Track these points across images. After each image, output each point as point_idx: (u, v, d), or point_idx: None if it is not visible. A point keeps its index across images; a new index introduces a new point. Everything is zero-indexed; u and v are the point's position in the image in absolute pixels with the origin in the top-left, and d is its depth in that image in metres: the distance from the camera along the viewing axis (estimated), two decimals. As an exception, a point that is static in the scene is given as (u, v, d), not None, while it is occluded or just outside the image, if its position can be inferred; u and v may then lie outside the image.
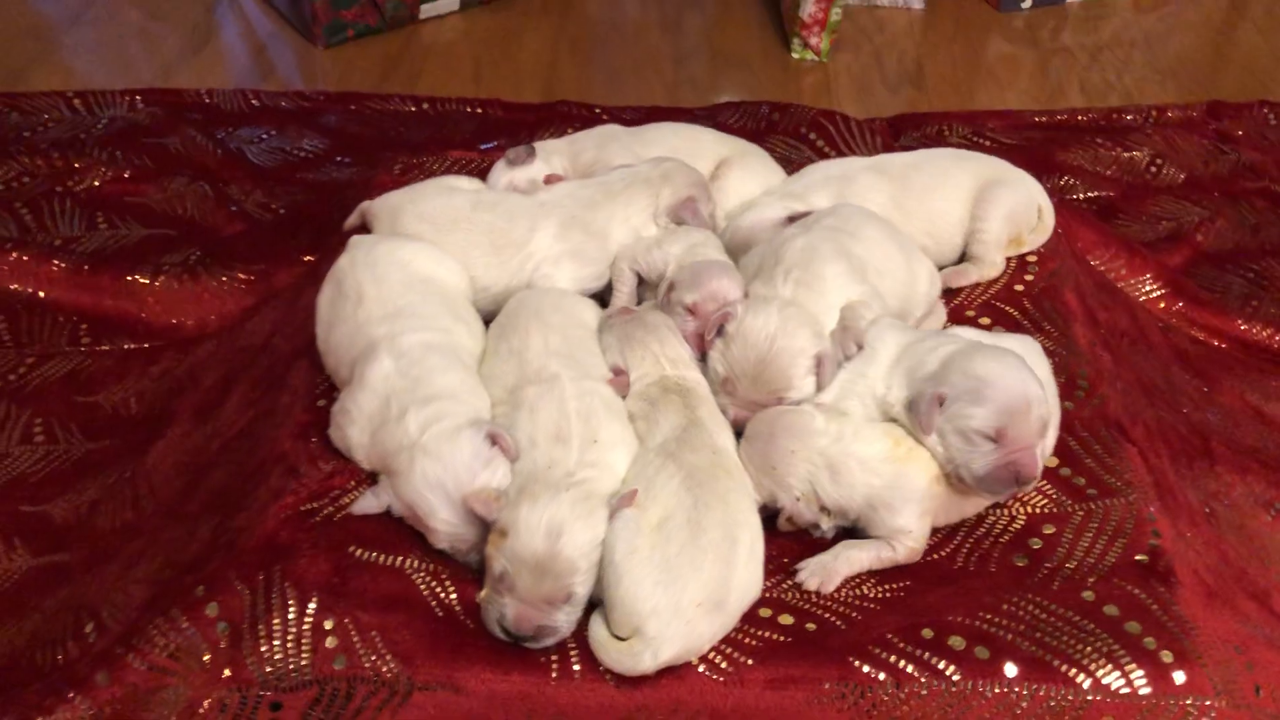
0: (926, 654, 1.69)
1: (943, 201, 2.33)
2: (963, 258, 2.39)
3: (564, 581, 1.64)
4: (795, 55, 3.89)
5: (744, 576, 1.70)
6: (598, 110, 3.45)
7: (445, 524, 1.73)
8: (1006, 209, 2.32)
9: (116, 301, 2.73)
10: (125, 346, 2.67)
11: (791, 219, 2.23)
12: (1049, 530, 1.88)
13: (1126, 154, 3.42)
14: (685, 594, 1.63)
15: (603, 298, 2.23)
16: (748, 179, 2.41)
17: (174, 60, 3.69)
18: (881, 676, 1.67)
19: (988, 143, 3.45)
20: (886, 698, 1.65)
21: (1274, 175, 3.49)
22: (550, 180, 2.36)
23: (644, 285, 2.22)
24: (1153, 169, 3.39)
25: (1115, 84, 3.80)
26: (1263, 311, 2.75)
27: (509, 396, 1.88)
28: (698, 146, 2.49)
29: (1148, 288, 2.71)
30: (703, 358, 2.00)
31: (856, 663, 1.68)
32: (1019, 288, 2.31)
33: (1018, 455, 1.76)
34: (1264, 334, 2.70)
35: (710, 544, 1.68)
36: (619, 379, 1.93)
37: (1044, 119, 3.64)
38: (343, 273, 2.05)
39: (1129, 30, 4.20)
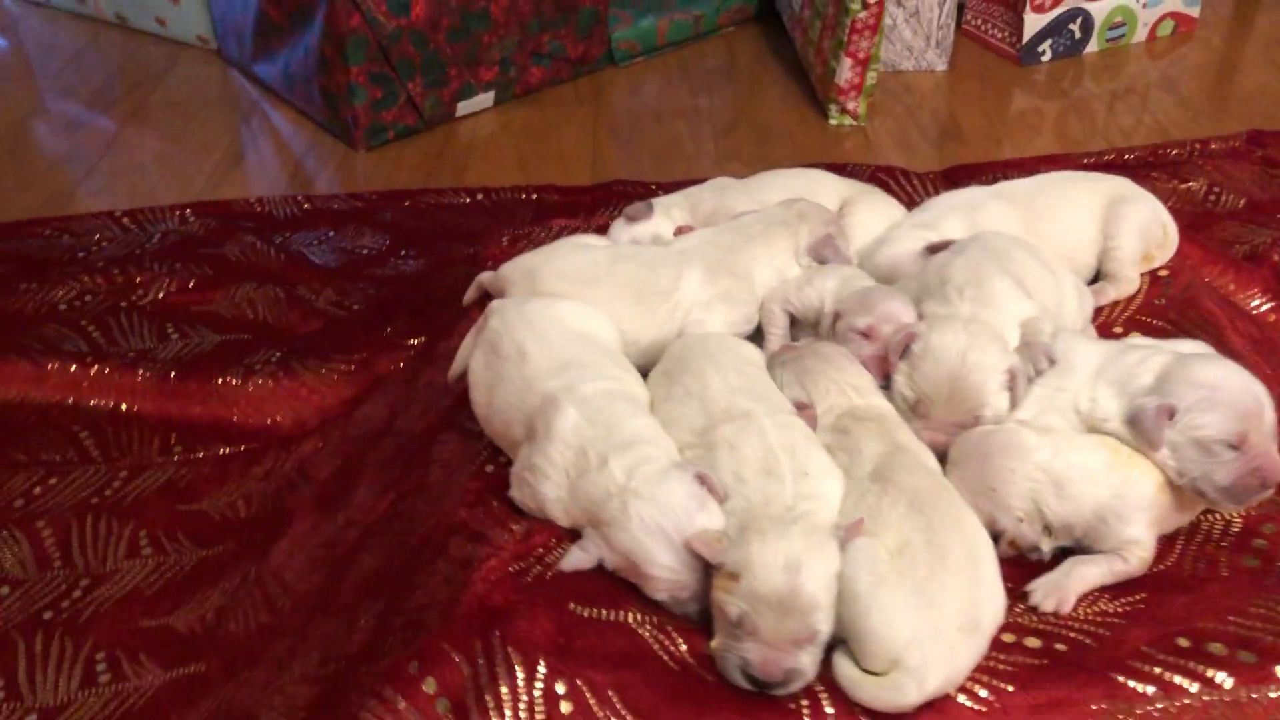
0: (1190, 663, 1.60)
1: (1073, 221, 2.31)
2: (1096, 278, 2.35)
3: (808, 619, 1.54)
4: (833, 121, 3.91)
5: (992, 596, 1.61)
6: (653, 186, 3.43)
7: (666, 570, 1.63)
8: (1137, 224, 2.30)
9: (206, 407, 2.61)
10: (221, 451, 2.55)
11: (930, 249, 2.19)
12: (1270, 529, 1.81)
13: (1184, 185, 3.44)
14: (943, 618, 1.54)
15: (752, 341, 2.15)
16: (873, 215, 2.38)
17: (212, 179, 3.64)
18: (1150, 690, 1.57)
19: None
20: (1158, 713, 1.55)
21: (1325, 196, 3.52)
22: (681, 231, 2.31)
23: (796, 326, 2.16)
24: (1211, 197, 3.41)
25: (1137, 126, 3.86)
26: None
27: (699, 439, 1.80)
28: (818, 188, 2.46)
29: (1256, 301, 2.69)
30: (885, 384, 1.93)
31: (1121, 679, 1.58)
32: (1159, 301, 2.28)
33: (1261, 461, 1.71)
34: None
35: (957, 565, 1.59)
36: (806, 413, 1.85)
37: (1091, 160, 3.66)
38: (497, 334, 1.97)
39: (1145, 75, 4.29)
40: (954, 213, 2.32)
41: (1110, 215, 2.32)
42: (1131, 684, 1.59)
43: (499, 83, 3.92)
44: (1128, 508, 1.74)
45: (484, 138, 3.93)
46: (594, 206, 3.38)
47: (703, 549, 1.61)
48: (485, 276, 2.30)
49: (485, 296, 2.32)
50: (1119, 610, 1.71)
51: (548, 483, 1.75)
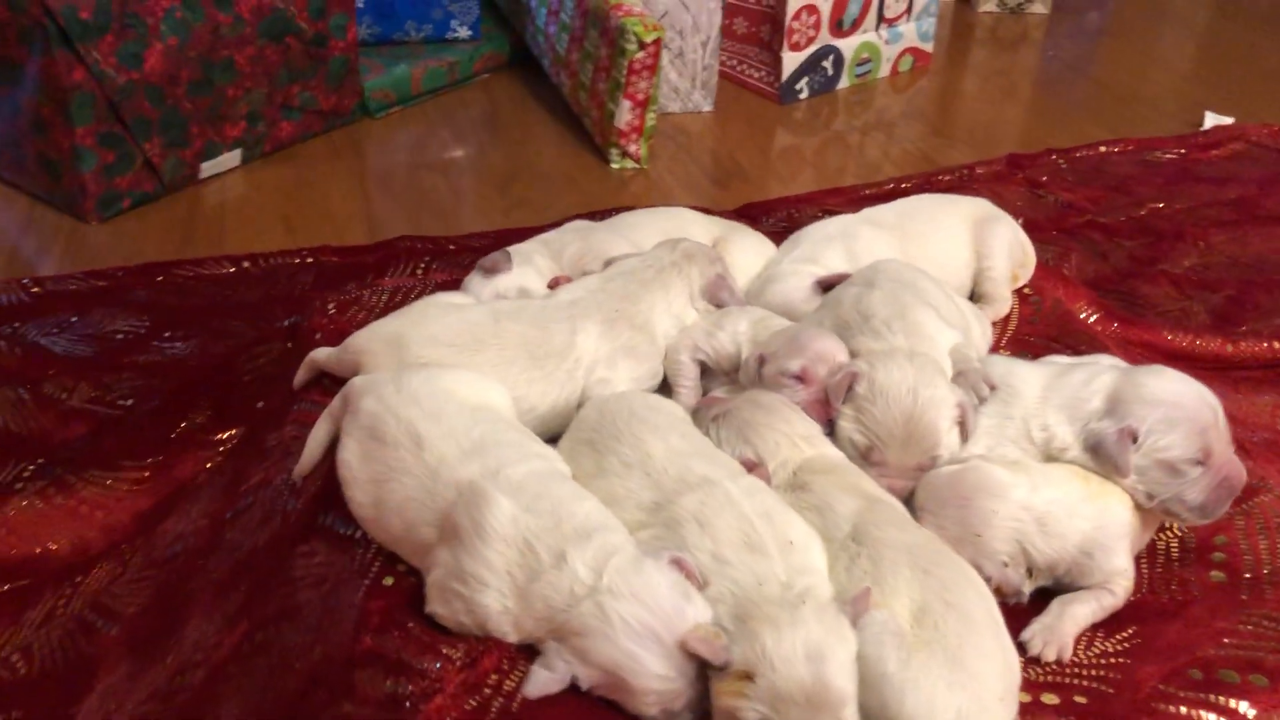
0: (1209, 695, 1.52)
1: (946, 244, 2.24)
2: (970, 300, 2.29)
3: (839, 715, 1.33)
4: (615, 165, 3.77)
5: (1014, 656, 1.44)
6: (446, 242, 3.15)
7: (661, 680, 1.37)
8: (1005, 244, 2.26)
9: (-51, 542, 2.10)
10: (-23, 595, 2.05)
11: (822, 285, 2.06)
12: (1222, 540, 1.76)
13: (966, 210, 3.50)
14: (985, 688, 1.37)
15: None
16: (748, 253, 2.22)
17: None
18: None
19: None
20: (1191, 754, 1.43)
21: (1091, 209, 3.70)
22: (558, 281, 2.05)
23: (706, 376, 1.95)
24: (993, 220, 3.48)
25: (903, 155, 3.97)
26: (1175, 322, 2.82)
27: (653, 517, 1.55)
28: (688, 226, 2.28)
29: (1084, 314, 2.72)
30: (828, 431, 1.75)
31: None
32: (1034, 320, 2.23)
33: (1227, 470, 1.64)
34: (1187, 341, 2.75)
35: (984, 626, 1.43)
36: (758, 472, 1.64)
37: (872, 190, 3.69)
38: (376, 418, 1.65)
39: (893, 107, 4.42)
40: (830, 244, 2.19)
41: (979, 236, 2.26)
42: None
43: (246, 140, 3.52)
44: (1110, 538, 1.64)
45: (235, 200, 3.51)
46: (381, 266, 3.05)
47: (702, 649, 1.36)
48: (323, 353, 1.95)
49: (322, 376, 1.96)
50: (1117, 649, 1.60)
51: (488, 592, 1.44)
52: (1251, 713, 1.48)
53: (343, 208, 3.47)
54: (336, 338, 2.13)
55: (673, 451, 1.62)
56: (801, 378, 1.78)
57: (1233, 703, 1.50)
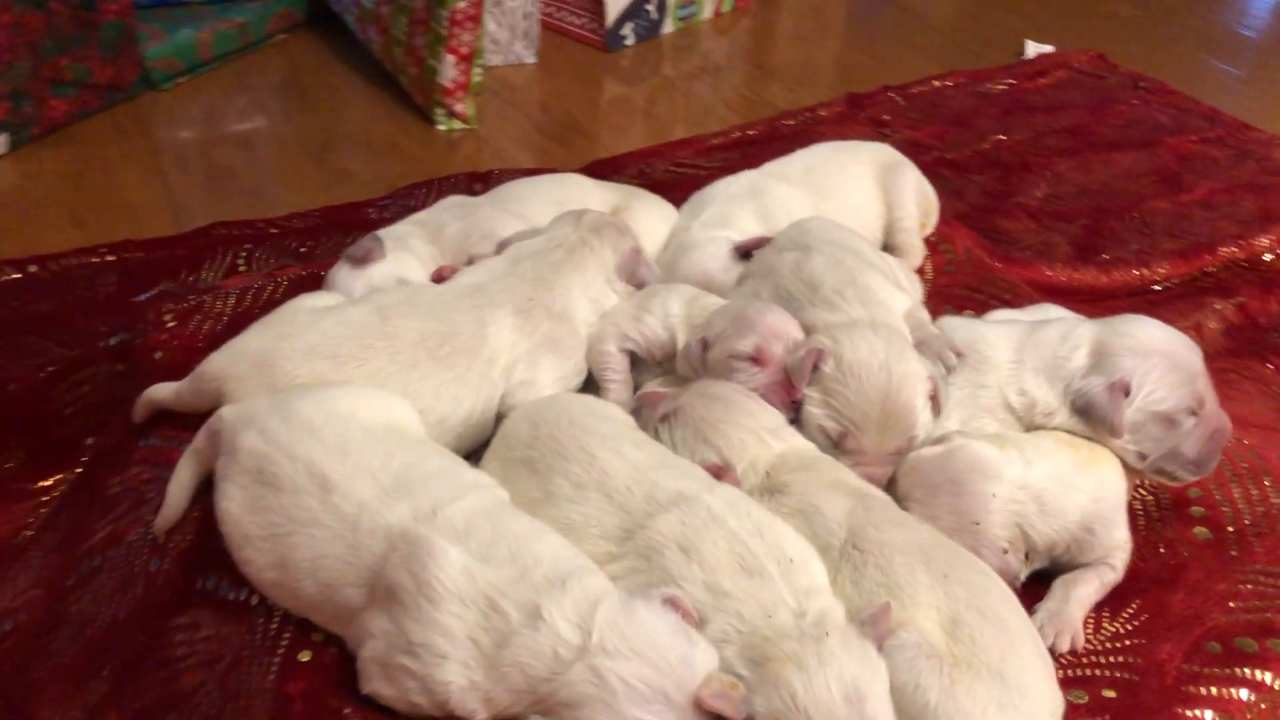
0: (1235, 669, 1.42)
1: (857, 196, 2.06)
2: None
3: None
4: (441, 126, 3.46)
5: (1050, 661, 1.29)
6: (265, 226, 2.80)
7: None
8: (913, 190, 2.11)
9: None
10: None
11: (740, 251, 1.85)
12: (1195, 493, 1.66)
13: (821, 155, 3.36)
14: (1036, 706, 1.22)
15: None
16: (653, 220, 1.99)
17: None
18: (1210, 716, 1.33)
19: (692, 171, 3.25)
20: (1230, 733, 1.32)
21: (938, 146, 3.62)
22: (445, 273, 1.77)
23: (638, 368, 1.72)
24: (843, 159, 3.36)
25: (742, 101, 3.82)
26: (1042, 255, 2.73)
27: (621, 547, 1.33)
28: (586, 196, 2.02)
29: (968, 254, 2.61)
30: (793, 418, 1.54)
31: (1184, 710, 1.35)
32: (950, 270, 2.09)
33: (1217, 419, 1.53)
34: (1066, 275, 2.68)
35: (1020, 633, 1.28)
36: (727, 477, 1.42)
37: (720, 140, 3.52)
38: (263, 460, 1.35)
39: (719, 50, 4.27)
40: (739, 204, 1.99)
41: (887, 184, 2.10)
42: (1193, 713, 1.37)
43: (12, 122, 3.05)
44: (1110, 509, 1.51)
45: (7, 192, 3.03)
46: (195, 259, 2.68)
47: (721, 705, 1.15)
48: (165, 390, 1.63)
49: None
50: (1128, 629, 1.49)
51: (447, 665, 1.18)
52: (1278, 684, 1.36)
53: (138, 194, 3.05)
54: (183, 356, 1.79)
55: (632, 466, 1.38)
56: (756, 359, 1.57)
57: (1258, 674, 1.42)
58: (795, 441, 1.50)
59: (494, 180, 2.80)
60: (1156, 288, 2.50)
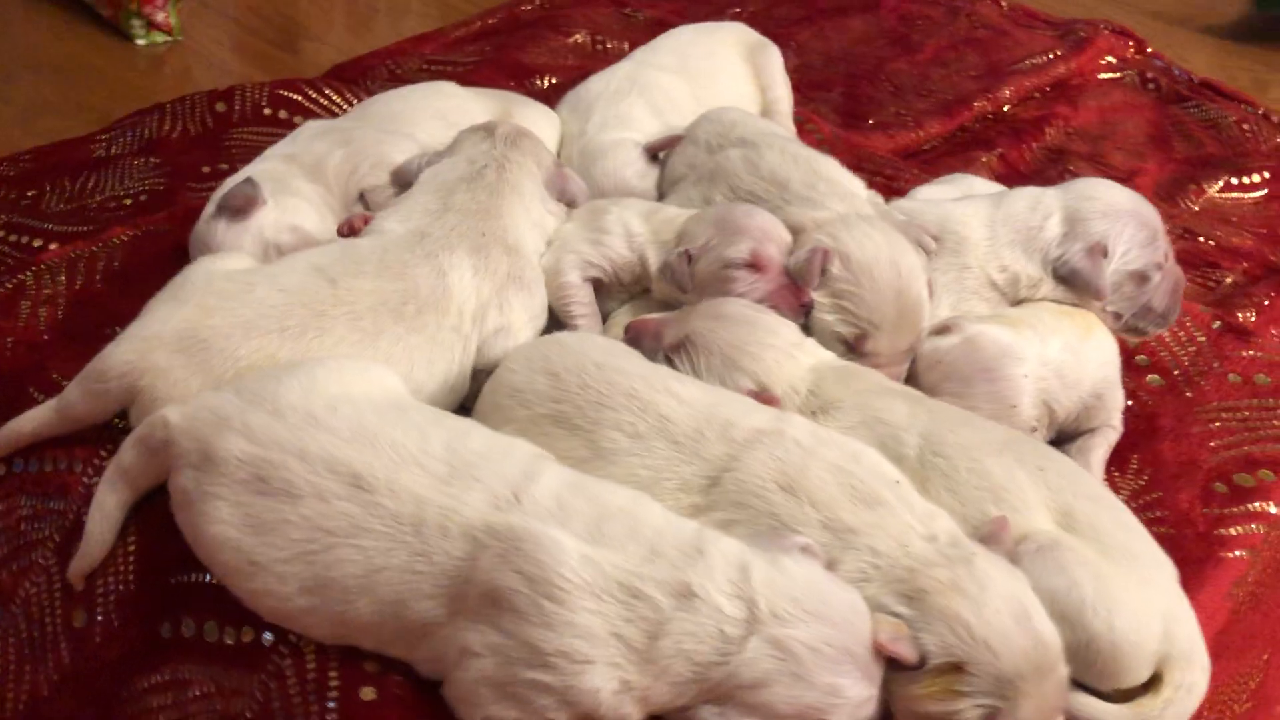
0: (1246, 505, 1.49)
1: (733, 81, 1.96)
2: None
3: (1063, 676, 1.10)
4: (141, 41, 3.02)
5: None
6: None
7: (866, 706, 1.05)
8: (781, 70, 2.03)
9: None
10: None
11: (650, 151, 1.73)
12: (1133, 342, 1.72)
13: (568, 39, 3.19)
14: (1165, 573, 1.24)
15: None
16: (541, 128, 1.78)
17: None
18: (1242, 554, 1.42)
19: (449, 67, 3.00)
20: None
21: (680, 20, 3.53)
22: (357, 224, 1.50)
23: (601, 294, 1.54)
24: (599, 48, 3.22)
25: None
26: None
27: (708, 497, 1.19)
28: (466, 106, 1.78)
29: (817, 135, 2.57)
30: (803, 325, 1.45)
31: (1225, 554, 1.43)
32: (825, 150, 2.02)
33: (1176, 268, 1.56)
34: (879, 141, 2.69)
35: (1122, 507, 1.29)
36: (775, 404, 1.31)
37: (461, 33, 3.26)
38: (260, 466, 1.10)
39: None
40: (626, 101, 1.82)
41: (756, 66, 1.99)
42: (1233, 554, 1.43)
43: None
44: (1114, 372, 1.53)
45: None
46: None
47: (901, 649, 1.06)
48: (28, 420, 1.30)
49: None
50: (1140, 484, 1.53)
51: (593, 670, 1.01)
52: (1272, 507, 1.48)
53: None
54: (29, 356, 1.43)
55: (690, 405, 1.23)
56: (754, 265, 1.44)
57: (1261, 506, 1.48)
58: (820, 353, 1.40)
59: (239, 99, 2.45)
60: (927, 148, 2.54)
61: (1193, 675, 1.17)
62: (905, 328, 1.44)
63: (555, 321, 1.52)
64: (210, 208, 1.55)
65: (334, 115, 2.31)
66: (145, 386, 1.26)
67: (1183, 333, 1.74)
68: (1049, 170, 2.32)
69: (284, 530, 1.10)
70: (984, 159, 2.34)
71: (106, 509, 1.23)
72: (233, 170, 2.37)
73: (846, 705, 1.03)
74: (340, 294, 1.32)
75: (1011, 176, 2.39)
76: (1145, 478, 1.53)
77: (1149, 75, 2.69)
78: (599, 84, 1.87)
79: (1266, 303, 1.90)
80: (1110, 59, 2.70)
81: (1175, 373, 1.69)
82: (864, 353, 1.44)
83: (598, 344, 1.34)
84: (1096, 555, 1.18)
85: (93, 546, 1.24)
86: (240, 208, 1.50)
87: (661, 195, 1.75)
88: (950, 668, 1.06)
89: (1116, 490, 1.50)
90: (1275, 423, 1.61)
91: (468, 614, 1.06)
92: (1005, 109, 2.62)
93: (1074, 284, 1.53)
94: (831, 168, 1.59)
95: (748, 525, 1.16)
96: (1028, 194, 1.60)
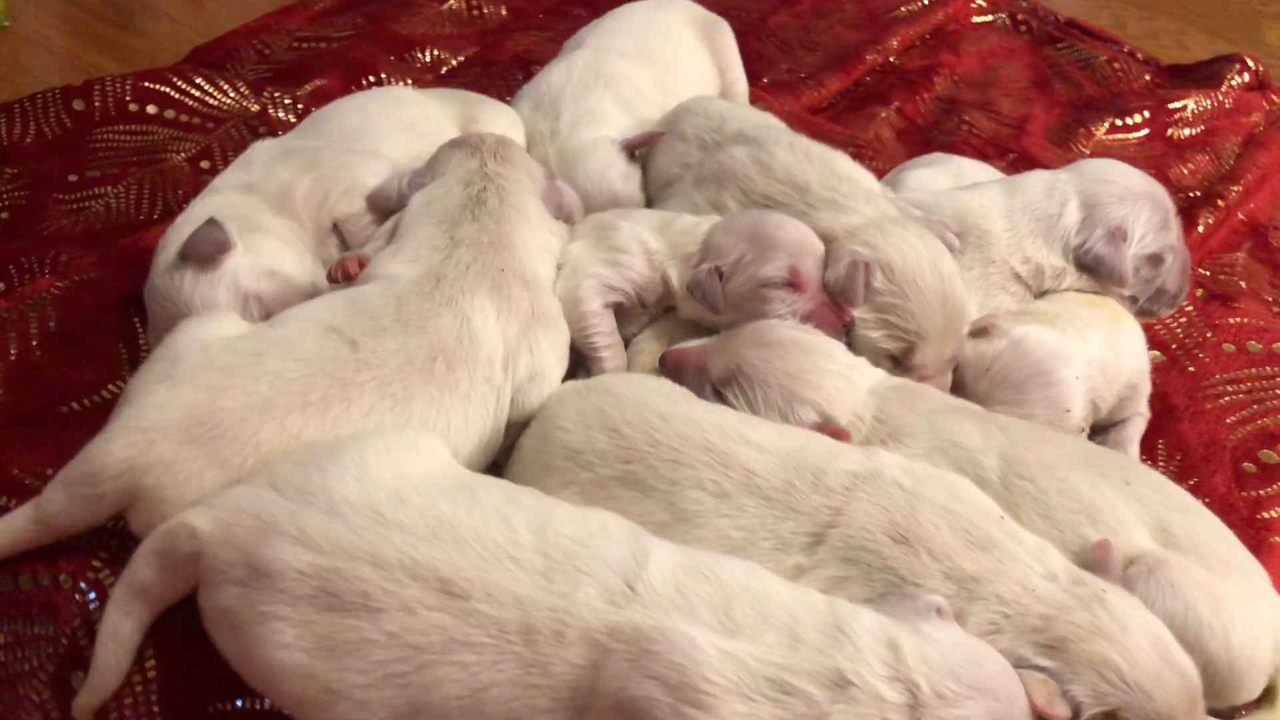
0: (1273, 485, 1.51)
1: (693, 64, 1.85)
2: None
3: (1202, 704, 1.07)
4: (-40, 28, 2.70)
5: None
6: None
7: None
8: (735, 48, 1.92)
9: None
10: None
11: (629, 148, 1.63)
12: (1126, 321, 1.71)
13: (442, 5, 2.98)
14: (1262, 578, 1.21)
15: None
16: (507, 128, 1.63)
17: None
18: None
19: (321, 45, 2.78)
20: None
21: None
22: (351, 268, 1.33)
23: (621, 318, 1.42)
24: (475, 12, 3.03)
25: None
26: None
27: (812, 556, 1.10)
28: (428, 113, 1.62)
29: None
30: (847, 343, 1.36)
31: (1271, 537, 1.43)
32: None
33: (1185, 247, 1.55)
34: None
35: (1210, 513, 1.25)
36: (840, 435, 1.23)
37: (326, 2, 3.03)
38: (322, 578, 0.97)
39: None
40: (593, 95, 1.69)
41: (714, 46, 1.88)
42: (1276, 539, 1.42)
43: None
44: (1145, 361, 1.50)
45: None
46: None
47: (1058, 711, 1.00)
48: (20, 519, 1.10)
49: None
50: (1172, 470, 1.52)
51: None
52: None
53: None
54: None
55: (773, 454, 1.14)
56: (793, 283, 1.34)
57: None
58: (874, 372, 1.32)
59: (98, 95, 2.22)
60: (826, 106, 2.48)
61: None
62: (951, 335, 1.37)
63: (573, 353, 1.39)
64: (167, 254, 1.35)
65: (209, 108, 2.14)
66: (150, 486, 1.08)
67: (1167, 305, 1.73)
68: (945, 122, 2.31)
69: (365, 651, 0.96)
70: (882, 114, 2.31)
71: (122, 635, 1.06)
72: (104, 179, 2.15)
73: None
74: (364, 357, 1.16)
75: (911, 130, 2.36)
76: (1177, 463, 1.52)
77: (1019, 17, 2.69)
78: (559, 76, 1.72)
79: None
80: (979, 2, 2.69)
81: (1173, 346, 1.70)
82: (911, 366, 1.37)
83: (652, 389, 1.22)
84: (1203, 572, 1.14)
85: (105, 678, 1.07)
86: (208, 255, 1.30)
87: (650, 198, 1.63)
88: (1104, 716, 1.02)
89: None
90: (1277, 392, 1.62)
91: (591, 724, 0.94)
92: (892, 60, 2.57)
93: (1098, 271, 1.49)
94: (846, 164, 1.50)
95: (862, 583, 1.08)
96: (1041, 180, 1.55)
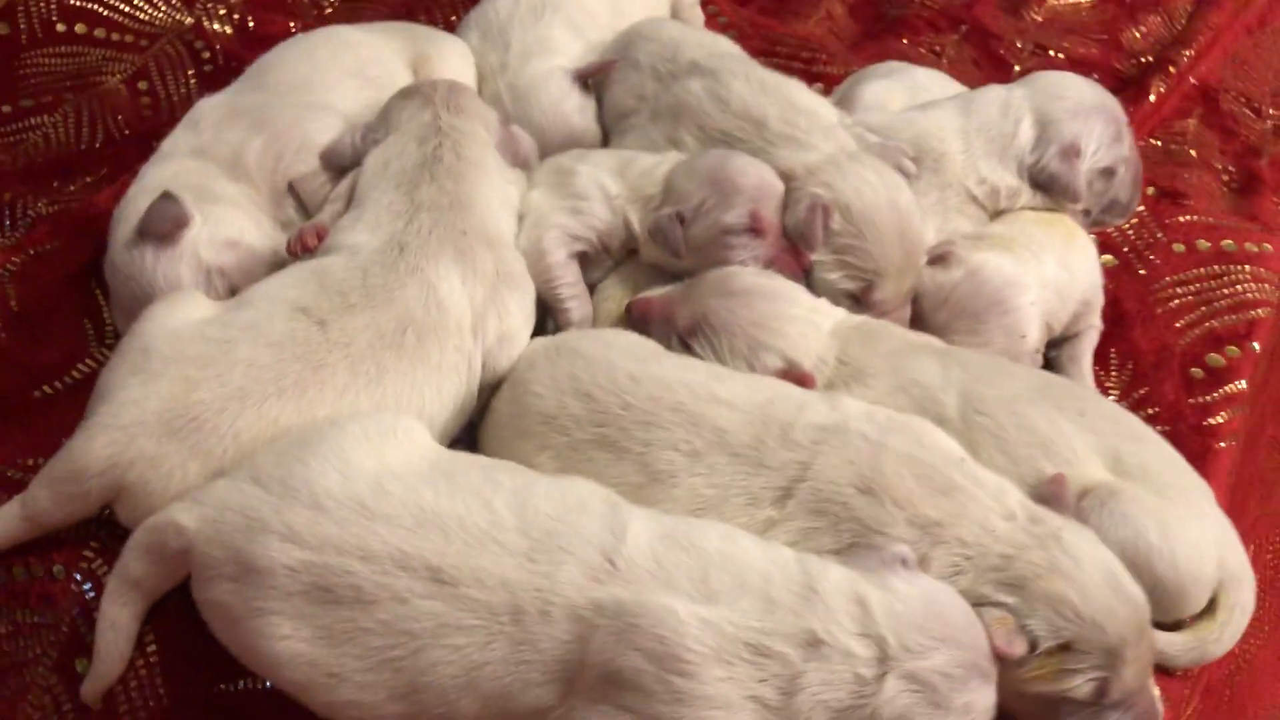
0: (1220, 390, 1.56)
1: None
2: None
3: (1150, 630, 1.14)
4: None
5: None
6: None
7: (991, 705, 1.05)
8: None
9: None
10: None
11: (582, 77, 1.61)
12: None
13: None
14: (1209, 499, 1.27)
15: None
16: (459, 64, 1.62)
17: None
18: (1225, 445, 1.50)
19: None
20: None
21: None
22: (309, 241, 1.32)
23: (585, 265, 1.43)
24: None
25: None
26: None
27: (782, 509, 1.14)
28: (379, 56, 1.60)
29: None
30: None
31: (1217, 444, 1.49)
32: (733, 35, 1.93)
33: (1137, 155, 1.57)
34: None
35: (1158, 437, 1.31)
36: (805, 380, 1.26)
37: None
38: (314, 574, 1.01)
39: None
40: (542, 20, 1.66)
41: None
42: (1221, 444, 1.50)
43: None
44: (1097, 275, 1.54)
45: None
46: None
47: (1015, 648, 1.07)
48: (19, 513, 1.14)
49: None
50: (1124, 380, 1.58)
51: None
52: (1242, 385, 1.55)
53: None
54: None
55: (742, 411, 1.17)
56: (755, 229, 1.35)
57: (1234, 386, 1.55)
58: (835, 312, 1.35)
59: (21, 17, 2.15)
60: None
61: (1244, 594, 1.23)
62: (909, 270, 1.40)
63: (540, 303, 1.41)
64: (124, 229, 1.34)
65: (140, 23, 2.05)
66: (134, 481, 1.11)
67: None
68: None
69: (362, 639, 1.00)
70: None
71: (120, 625, 1.10)
72: (37, 109, 2.09)
73: (979, 719, 1.03)
74: (334, 337, 1.18)
75: (863, 6, 2.30)
76: (1129, 371, 1.57)
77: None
78: (485, 11, 1.69)
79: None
80: None
81: (1125, 250, 1.73)
82: (871, 303, 1.39)
83: (621, 350, 1.24)
84: (1152, 498, 1.20)
85: (108, 665, 1.11)
86: (167, 233, 1.30)
87: (605, 129, 1.62)
88: (1059, 648, 1.08)
89: (1106, 391, 1.54)
90: (1224, 291, 1.67)
91: (585, 694, 1.00)
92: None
93: (1052, 189, 1.52)
94: (804, 95, 1.50)
95: (830, 534, 1.13)
96: (995, 97, 1.56)
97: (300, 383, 1.15)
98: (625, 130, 1.57)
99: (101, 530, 1.17)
